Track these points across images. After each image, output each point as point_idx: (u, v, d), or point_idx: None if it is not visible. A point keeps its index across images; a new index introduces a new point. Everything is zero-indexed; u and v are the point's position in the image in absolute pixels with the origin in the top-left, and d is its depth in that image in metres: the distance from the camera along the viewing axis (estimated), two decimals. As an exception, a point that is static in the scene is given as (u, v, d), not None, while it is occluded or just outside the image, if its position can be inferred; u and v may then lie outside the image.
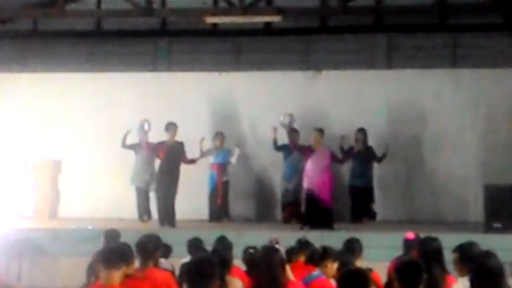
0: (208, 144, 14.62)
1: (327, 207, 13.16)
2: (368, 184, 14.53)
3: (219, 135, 14.74)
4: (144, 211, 14.47)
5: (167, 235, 9.81)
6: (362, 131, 14.55)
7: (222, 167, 14.62)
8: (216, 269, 4.78)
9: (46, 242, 12.66)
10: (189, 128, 14.55)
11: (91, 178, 15.57)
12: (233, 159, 14.58)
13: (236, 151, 14.57)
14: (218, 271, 4.79)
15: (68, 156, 15.67)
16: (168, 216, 13.64)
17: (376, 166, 14.80)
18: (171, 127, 13.94)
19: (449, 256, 6.55)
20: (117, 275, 5.67)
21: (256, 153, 15.43)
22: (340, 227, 13.05)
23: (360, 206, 14.46)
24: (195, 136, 14.53)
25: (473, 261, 5.15)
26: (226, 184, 14.68)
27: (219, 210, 14.60)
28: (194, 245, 8.91)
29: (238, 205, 15.21)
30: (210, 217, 14.58)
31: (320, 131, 13.57)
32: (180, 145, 13.91)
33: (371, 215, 14.51)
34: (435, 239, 6.67)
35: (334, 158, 13.57)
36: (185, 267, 4.82)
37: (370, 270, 7.17)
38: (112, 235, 9.17)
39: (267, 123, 14.97)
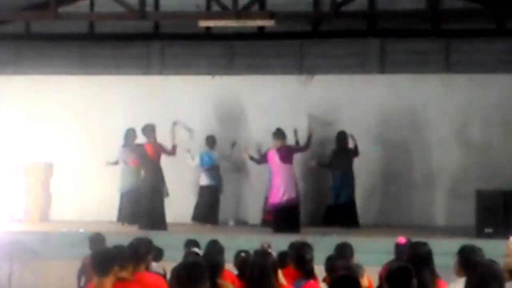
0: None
1: (275, 211, 13.53)
2: (350, 197, 14.52)
3: (208, 139, 14.80)
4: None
5: (158, 238, 9.79)
6: (341, 133, 14.64)
7: (208, 170, 14.67)
8: (206, 273, 4.77)
9: (37, 245, 12.64)
10: (181, 132, 14.56)
11: (83, 181, 15.54)
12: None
13: (231, 151, 14.90)
14: (207, 275, 4.78)
15: (60, 159, 15.62)
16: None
17: (367, 171, 14.86)
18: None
19: (439, 261, 6.56)
20: (108, 279, 5.64)
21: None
22: (331, 231, 13.06)
23: (345, 219, 14.46)
24: (187, 139, 14.55)
25: (472, 267, 5.12)
26: (211, 189, 14.73)
27: (203, 214, 14.64)
28: (191, 246, 8.92)
29: (230, 209, 15.21)
30: (193, 217, 14.69)
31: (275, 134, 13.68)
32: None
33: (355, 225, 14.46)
34: (424, 244, 6.68)
35: (279, 157, 13.57)
36: (174, 271, 4.79)
37: (360, 267, 7.18)
38: (97, 239, 9.15)
39: (259, 127, 15.01)
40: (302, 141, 14.01)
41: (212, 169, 14.76)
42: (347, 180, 14.51)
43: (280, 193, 13.45)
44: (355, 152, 14.53)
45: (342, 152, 14.60)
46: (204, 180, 14.78)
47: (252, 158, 14.62)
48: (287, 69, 15.84)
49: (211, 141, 14.87)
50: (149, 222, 13.52)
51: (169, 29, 16.26)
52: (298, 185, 13.82)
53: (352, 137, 14.48)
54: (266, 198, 14.30)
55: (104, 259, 5.76)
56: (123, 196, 14.65)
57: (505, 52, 15.27)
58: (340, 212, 14.49)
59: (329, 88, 15.41)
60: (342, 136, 14.65)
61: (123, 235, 10.79)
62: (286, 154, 13.57)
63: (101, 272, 5.64)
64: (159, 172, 13.78)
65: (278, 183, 13.51)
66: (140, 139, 14.28)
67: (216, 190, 14.81)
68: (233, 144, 14.90)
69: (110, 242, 8.28)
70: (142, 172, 14.03)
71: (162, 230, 13.36)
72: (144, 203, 13.78)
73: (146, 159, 13.85)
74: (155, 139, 13.83)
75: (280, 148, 13.61)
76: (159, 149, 13.79)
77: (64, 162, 15.61)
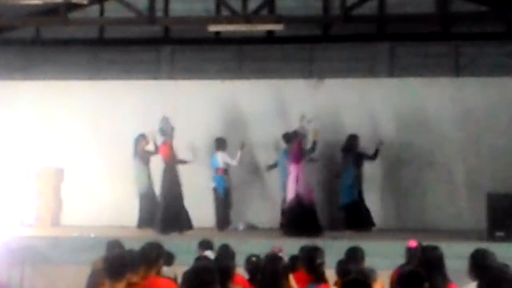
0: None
1: (293, 211, 13.29)
2: (353, 199, 14.45)
3: (217, 141, 14.76)
4: None
5: (170, 243, 9.80)
6: (350, 136, 14.61)
7: (214, 173, 14.70)
8: (216, 277, 4.78)
9: (48, 250, 12.68)
10: (191, 136, 14.59)
11: (94, 186, 15.58)
12: (234, 162, 14.62)
13: (238, 153, 14.61)
14: (217, 279, 4.79)
15: (70, 164, 15.67)
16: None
17: (377, 174, 14.84)
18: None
19: (451, 264, 6.55)
20: (121, 284, 5.63)
21: (258, 161, 15.41)
22: (342, 235, 13.04)
23: (357, 219, 14.44)
24: (197, 144, 14.58)
25: (484, 271, 5.13)
26: (214, 192, 14.66)
27: (218, 219, 14.65)
28: (204, 248, 8.97)
29: (240, 212, 15.20)
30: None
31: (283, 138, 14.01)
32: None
33: (369, 226, 14.47)
34: (435, 248, 6.67)
35: (295, 153, 13.51)
36: (185, 276, 4.80)
37: (373, 271, 7.18)
38: (114, 246, 9.14)
39: (269, 131, 15.02)
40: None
41: (216, 172, 14.67)
42: (350, 182, 14.47)
43: (285, 196, 13.54)
44: (371, 157, 14.54)
45: (350, 154, 14.55)
46: (211, 183, 14.75)
47: (270, 167, 14.69)
48: (296, 73, 15.84)
49: (219, 142, 14.74)
50: (163, 226, 13.55)
51: (179, 33, 16.27)
52: (303, 189, 13.64)
53: (379, 142, 14.51)
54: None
55: (117, 264, 5.74)
56: (140, 201, 14.66)
57: (515, 55, 15.26)
58: (346, 215, 14.49)
59: (339, 92, 15.39)
60: (349, 139, 14.61)
61: (135, 239, 10.78)
62: (291, 156, 13.58)
63: (114, 277, 5.63)
64: (174, 175, 13.79)
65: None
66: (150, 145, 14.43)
67: (217, 192, 14.64)
68: (242, 146, 14.76)
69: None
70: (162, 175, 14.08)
71: (175, 232, 13.39)
72: (159, 207, 13.83)
73: (163, 162, 13.92)
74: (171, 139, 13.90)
75: (288, 152, 13.63)
76: (169, 150, 13.85)
77: (75, 167, 15.66)
